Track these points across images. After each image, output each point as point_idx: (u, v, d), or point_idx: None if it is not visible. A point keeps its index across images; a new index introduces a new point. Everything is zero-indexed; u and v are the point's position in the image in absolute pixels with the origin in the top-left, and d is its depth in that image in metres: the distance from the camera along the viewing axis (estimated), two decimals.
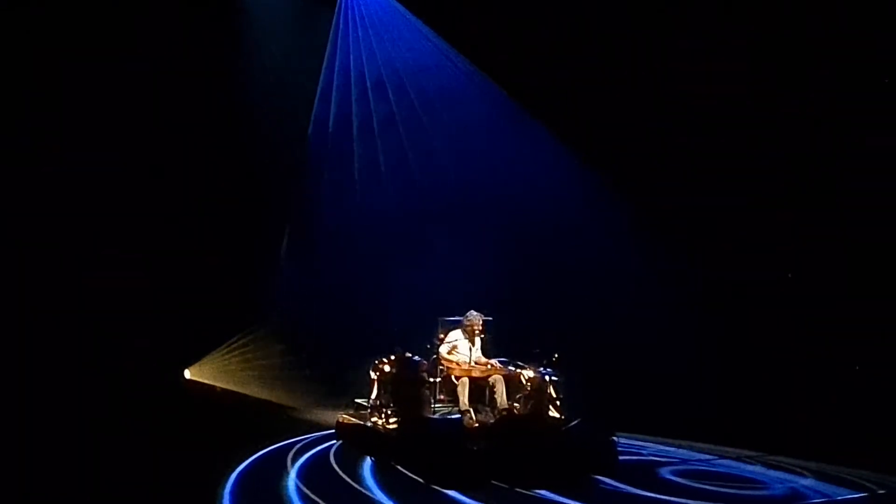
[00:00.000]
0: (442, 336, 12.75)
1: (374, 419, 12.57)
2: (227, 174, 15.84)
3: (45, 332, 14.03)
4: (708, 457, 12.50)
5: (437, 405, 12.46)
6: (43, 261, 14.23)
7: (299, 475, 10.62)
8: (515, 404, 12.22)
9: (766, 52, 15.01)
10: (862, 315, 14.11)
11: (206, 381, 16.47)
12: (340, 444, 12.66)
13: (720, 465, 11.96)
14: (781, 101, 15.07)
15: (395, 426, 12.12)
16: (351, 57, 17.89)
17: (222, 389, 16.43)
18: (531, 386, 12.20)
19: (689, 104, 15.66)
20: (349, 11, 17.83)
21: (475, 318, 12.65)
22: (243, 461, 11.13)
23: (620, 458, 11.38)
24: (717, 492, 10.20)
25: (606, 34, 16.12)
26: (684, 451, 12.84)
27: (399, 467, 11.04)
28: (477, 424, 11.87)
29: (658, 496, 9.94)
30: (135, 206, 15.03)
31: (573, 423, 11.33)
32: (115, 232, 14.73)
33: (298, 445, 12.47)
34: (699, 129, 15.67)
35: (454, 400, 12.33)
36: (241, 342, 16.79)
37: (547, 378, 12.17)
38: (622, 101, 15.97)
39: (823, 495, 10.13)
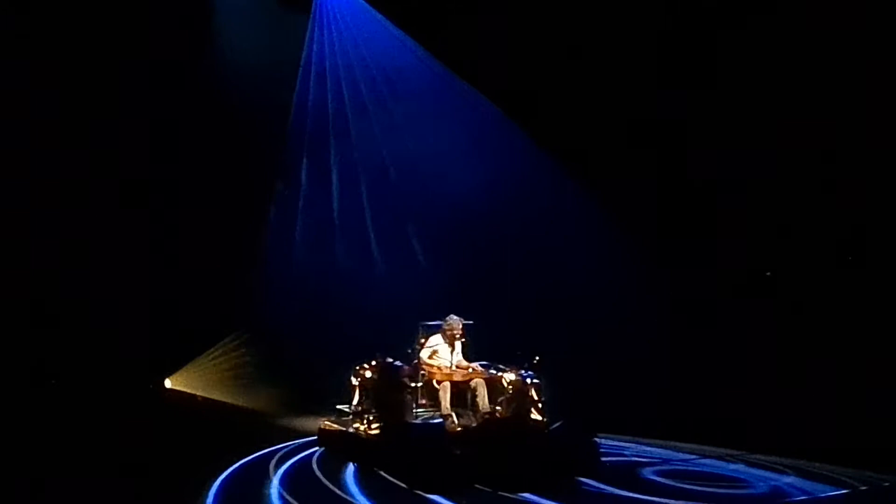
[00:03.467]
0: (423, 340, 12.74)
1: (356, 425, 12.54)
2: (204, 182, 15.78)
3: (25, 342, 13.97)
4: (690, 456, 12.52)
5: (419, 410, 12.41)
6: (23, 269, 14.18)
7: (282, 482, 10.59)
8: (497, 407, 12.19)
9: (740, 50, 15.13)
10: (839, 312, 14.22)
11: (187, 390, 16.42)
12: (323, 451, 12.64)
13: (702, 464, 11.99)
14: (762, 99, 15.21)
15: (377, 432, 12.11)
16: (326, 60, 17.87)
17: (203, 398, 16.38)
18: (513, 389, 12.17)
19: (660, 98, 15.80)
20: (324, 15, 17.80)
21: (455, 322, 12.63)
22: (226, 469, 11.09)
23: (603, 459, 11.40)
24: (699, 491, 10.23)
25: (574, 33, 16.18)
26: (666, 451, 12.85)
27: (382, 473, 11.02)
28: (459, 428, 11.85)
29: (641, 496, 9.96)
30: (113, 214, 15.00)
31: (555, 426, 11.35)
32: (93, 242, 14.68)
33: (281, 453, 12.43)
34: (676, 127, 15.77)
35: (436, 404, 12.30)
36: (221, 350, 16.75)
37: (528, 381, 12.15)
38: (597, 102, 16.03)
39: (805, 493, 10.17)
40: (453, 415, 12.09)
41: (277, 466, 11.53)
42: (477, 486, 10.23)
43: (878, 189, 14.20)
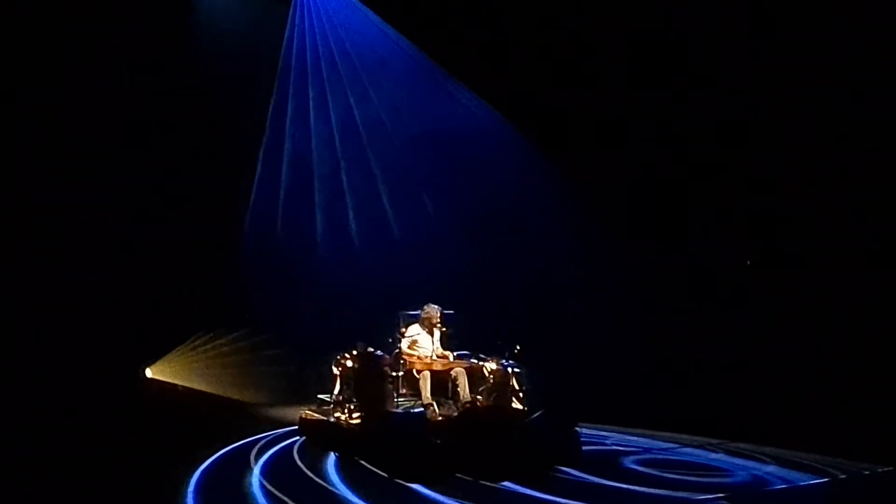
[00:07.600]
0: (404, 330, 12.73)
1: (337, 415, 12.52)
2: (187, 170, 15.68)
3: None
4: (670, 445, 12.55)
5: (399, 399, 12.43)
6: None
7: (263, 472, 10.56)
8: (478, 397, 12.22)
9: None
10: (818, 300, 14.27)
11: (167, 380, 16.34)
12: (304, 441, 12.61)
13: (683, 453, 12.02)
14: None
15: (358, 421, 12.08)
16: (307, 46, 17.78)
17: (184, 388, 16.31)
18: (494, 378, 12.22)
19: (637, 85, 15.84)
20: (305, 8, 17.73)
21: (433, 310, 12.66)
22: (207, 459, 11.04)
23: (584, 448, 11.40)
24: (680, 480, 10.24)
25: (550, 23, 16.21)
26: (647, 441, 12.88)
27: (363, 462, 11.00)
28: (440, 418, 11.87)
29: (622, 485, 9.97)
30: (95, 202, 14.89)
31: (536, 415, 11.34)
32: (73, 227, 14.58)
33: (262, 442, 12.39)
34: (661, 117, 15.81)
35: (417, 394, 12.32)
36: (202, 340, 16.68)
37: (509, 370, 12.18)
38: (583, 91, 16.06)
39: (785, 481, 10.21)
40: (434, 404, 12.10)
41: (258, 456, 11.49)
42: (458, 475, 10.22)
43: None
